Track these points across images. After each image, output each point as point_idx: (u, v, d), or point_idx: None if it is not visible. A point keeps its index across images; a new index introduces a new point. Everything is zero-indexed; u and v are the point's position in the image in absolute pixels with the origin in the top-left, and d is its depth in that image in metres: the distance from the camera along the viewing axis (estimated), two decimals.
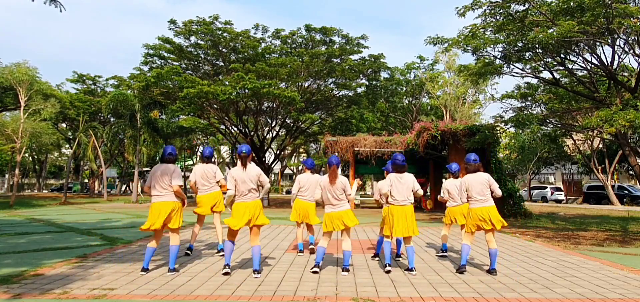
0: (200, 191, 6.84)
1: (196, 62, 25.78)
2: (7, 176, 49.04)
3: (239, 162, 5.59)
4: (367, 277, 5.47)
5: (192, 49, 24.87)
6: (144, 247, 7.55)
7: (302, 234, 7.31)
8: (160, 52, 24.89)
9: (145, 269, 5.56)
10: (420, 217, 15.16)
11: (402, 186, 5.79)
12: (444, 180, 6.97)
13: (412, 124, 28.45)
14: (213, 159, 7.27)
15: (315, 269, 5.61)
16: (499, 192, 5.82)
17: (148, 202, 25.51)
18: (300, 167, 59.70)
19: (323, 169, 37.96)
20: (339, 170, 5.88)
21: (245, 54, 24.13)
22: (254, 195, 5.50)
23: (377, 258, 6.78)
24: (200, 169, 6.90)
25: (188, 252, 6.90)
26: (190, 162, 48.46)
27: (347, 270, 5.65)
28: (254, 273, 5.43)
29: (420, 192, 5.94)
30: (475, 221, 5.78)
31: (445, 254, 7.12)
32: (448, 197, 7.03)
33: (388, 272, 5.69)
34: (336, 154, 19.71)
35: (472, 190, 5.80)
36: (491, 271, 5.73)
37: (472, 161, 5.96)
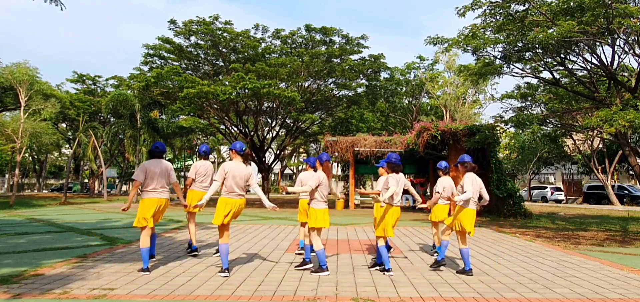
0: (196, 186, 6.84)
1: (196, 62, 25.79)
2: (7, 175, 49.05)
3: (237, 159, 5.57)
4: (367, 277, 5.47)
5: (192, 49, 24.88)
6: None
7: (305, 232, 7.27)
8: (160, 52, 24.91)
9: (146, 270, 5.54)
10: (420, 216, 15.15)
11: (401, 186, 5.77)
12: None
13: (412, 124, 28.46)
14: (213, 158, 7.32)
15: (327, 272, 5.57)
16: (487, 198, 5.84)
17: None
18: (300, 167, 59.74)
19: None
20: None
21: (245, 54, 24.14)
22: (243, 194, 5.55)
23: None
24: (203, 166, 6.91)
25: (195, 254, 6.86)
26: (190, 162, 48.42)
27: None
28: (223, 272, 5.40)
29: (409, 186, 6.08)
30: (472, 222, 5.71)
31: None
32: (441, 193, 6.99)
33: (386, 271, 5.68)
34: (331, 153, 19.77)
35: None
36: (467, 272, 5.68)
37: (470, 160, 5.96)
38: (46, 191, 52.37)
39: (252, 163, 28.48)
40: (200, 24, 23.36)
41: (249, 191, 5.70)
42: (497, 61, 13.23)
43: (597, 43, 11.53)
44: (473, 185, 5.67)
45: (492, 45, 12.64)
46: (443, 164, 7.02)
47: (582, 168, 33.45)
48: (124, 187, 49.93)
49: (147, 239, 5.55)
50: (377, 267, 5.93)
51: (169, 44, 24.46)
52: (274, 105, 25.06)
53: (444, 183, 6.98)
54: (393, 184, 5.63)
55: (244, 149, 5.66)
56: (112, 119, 32.30)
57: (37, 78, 24.62)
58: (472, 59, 14.00)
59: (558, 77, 13.88)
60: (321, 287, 4.96)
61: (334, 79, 25.59)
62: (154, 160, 5.71)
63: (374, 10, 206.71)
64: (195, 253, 6.87)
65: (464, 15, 11.98)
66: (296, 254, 7.09)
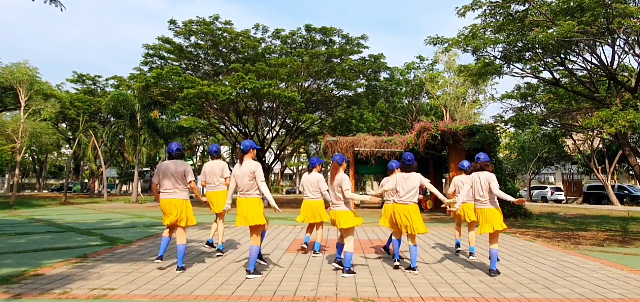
0: (207, 188, 6.92)
1: (196, 62, 25.78)
2: (7, 175, 49.05)
3: (244, 158, 5.62)
4: (367, 277, 5.46)
5: (192, 49, 24.86)
6: (144, 247, 7.57)
7: (315, 233, 7.23)
8: (160, 52, 24.89)
9: (160, 258, 5.74)
10: (426, 217, 15.15)
11: (408, 184, 5.80)
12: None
13: (412, 124, 28.45)
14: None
15: (337, 264, 5.81)
16: (497, 193, 5.63)
17: (148, 202, 25.48)
18: (300, 167, 59.75)
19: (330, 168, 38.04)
20: (340, 169, 5.73)
21: (245, 54, 24.13)
22: (250, 193, 5.40)
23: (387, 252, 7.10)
24: (207, 165, 6.99)
25: (220, 253, 6.86)
26: (191, 162, 48.41)
27: (349, 272, 5.46)
28: (247, 274, 5.36)
29: (427, 184, 5.91)
30: (478, 220, 5.91)
31: (459, 249, 7.35)
32: (453, 191, 7.13)
33: (396, 267, 5.88)
34: (330, 153, 19.77)
35: (474, 189, 5.88)
36: (491, 272, 5.68)
37: (477, 160, 5.99)
38: (46, 191, 52.37)
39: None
40: (200, 24, 23.35)
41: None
42: (497, 61, 13.22)
43: (597, 43, 11.52)
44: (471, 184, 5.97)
45: (492, 45, 12.62)
46: (464, 164, 7.10)
47: (582, 168, 33.44)
48: (124, 187, 49.92)
49: (166, 232, 5.89)
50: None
51: (169, 44, 24.44)
52: (274, 106, 25.05)
53: (455, 181, 7.04)
54: (391, 182, 6.01)
55: (242, 146, 5.62)
56: (112, 119, 32.30)
57: (37, 78, 24.61)
58: (472, 59, 13.99)
59: (558, 77, 13.86)
60: (321, 287, 4.96)
61: (334, 79, 25.58)
62: (167, 161, 5.83)
63: (374, 10, 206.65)
64: (220, 253, 6.86)
65: (464, 15, 11.96)
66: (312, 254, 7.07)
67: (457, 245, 7.35)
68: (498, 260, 5.93)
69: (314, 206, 6.85)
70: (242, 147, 5.58)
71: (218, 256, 6.79)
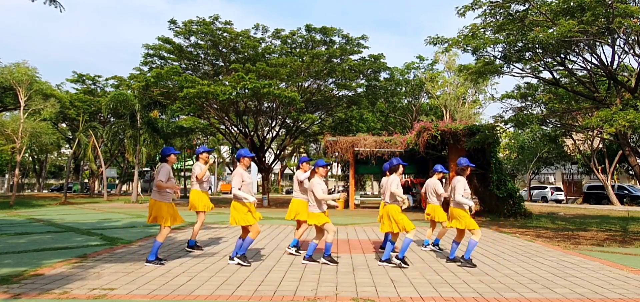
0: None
1: (196, 62, 25.78)
2: (7, 175, 49.04)
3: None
4: (367, 277, 5.47)
5: (192, 49, 24.86)
6: (144, 247, 7.55)
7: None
8: (160, 52, 24.88)
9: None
10: (421, 216, 15.13)
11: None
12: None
13: (412, 124, 28.47)
14: (212, 158, 7.44)
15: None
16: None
17: (147, 202, 25.39)
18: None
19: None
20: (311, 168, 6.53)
21: (246, 54, 24.12)
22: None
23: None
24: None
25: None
26: (191, 163, 48.36)
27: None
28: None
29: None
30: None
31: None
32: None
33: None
34: (331, 153, 19.83)
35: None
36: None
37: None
38: (46, 191, 52.36)
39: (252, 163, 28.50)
40: (200, 24, 23.34)
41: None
42: (497, 61, 13.22)
43: (597, 43, 11.52)
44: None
45: (492, 45, 12.62)
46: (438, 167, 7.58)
47: (582, 168, 33.44)
48: (124, 187, 49.87)
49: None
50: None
51: (169, 44, 24.43)
52: (274, 106, 25.03)
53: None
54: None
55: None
56: (112, 119, 32.29)
57: (37, 78, 24.62)
58: (472, 59, 14.00)
59: (558, 77, 13.87)
60: (321, 287, 4.95)
61: (334, 79, 25.57)
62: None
63: (374, 10, 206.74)
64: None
65: (464, 15, 11.95)
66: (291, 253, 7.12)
67: (436, 244, 7.70)
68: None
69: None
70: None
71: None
